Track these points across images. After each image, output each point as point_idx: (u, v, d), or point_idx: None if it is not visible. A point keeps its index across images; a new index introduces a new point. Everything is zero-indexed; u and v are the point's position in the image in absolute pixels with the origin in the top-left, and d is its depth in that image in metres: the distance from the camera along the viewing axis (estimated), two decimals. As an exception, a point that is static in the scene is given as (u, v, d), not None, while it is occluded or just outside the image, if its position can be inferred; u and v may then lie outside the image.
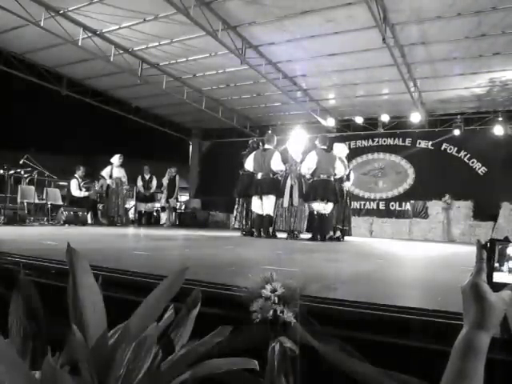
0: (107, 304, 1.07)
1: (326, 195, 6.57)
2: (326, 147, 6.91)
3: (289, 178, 6.83)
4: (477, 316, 0.69)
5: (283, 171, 6.87)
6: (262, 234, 6.72)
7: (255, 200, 6.88)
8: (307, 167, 6.70)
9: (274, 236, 6.81)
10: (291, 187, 6.78)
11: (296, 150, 7.11)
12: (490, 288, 0.71)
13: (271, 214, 6.78)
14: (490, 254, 0.74)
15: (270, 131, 11.06)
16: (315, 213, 6.63)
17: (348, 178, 7.41)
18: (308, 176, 6.78)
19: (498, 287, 0.72)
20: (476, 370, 0.66)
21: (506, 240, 0.75)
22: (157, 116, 12.59)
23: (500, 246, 0.74)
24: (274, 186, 6.82)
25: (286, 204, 6.76)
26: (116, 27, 7.35)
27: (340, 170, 6.83)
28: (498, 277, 0.73)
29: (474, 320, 0.70)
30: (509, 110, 9.76)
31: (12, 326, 1.13)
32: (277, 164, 6.77)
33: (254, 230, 6.95)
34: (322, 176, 6.61)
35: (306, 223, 6.99)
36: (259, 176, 6.85)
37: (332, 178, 6.70)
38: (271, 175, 6.82)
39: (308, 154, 6.86)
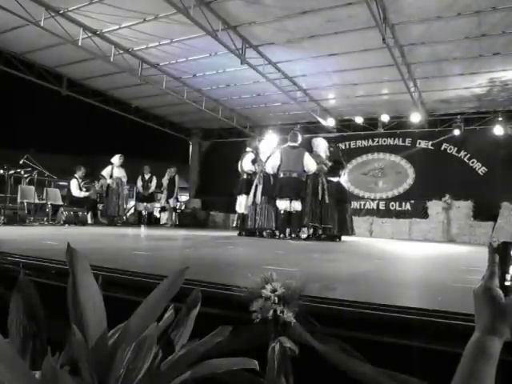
0: (107, 304, 1.07)
1: (288, 193, 6.69)
2: (295, 144, 7.04)
3: (256, 178, 7.15)
4: (489, 321, 0.69)
5: (252, 171, 7.30)
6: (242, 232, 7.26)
7: (238, 199, 7.50)
8: (271, 166, 6.95)
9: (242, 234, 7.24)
10: (256, 186, 7.05)
11: (264, 149, 7.33)
12: (502, 292, 0.70)
13: (245, 212, 7.21)
14: (502, 257, 0.72)
15: (269, 131, 11.09)
16: (279, 210, 6.81)
17: (333, 173, 7.13)
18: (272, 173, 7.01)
19: (510, 291, 0.70)
20: (487, 375, 0.66)
21: None
22: (157, 116, 12.58)
23: None
24: (245, 185, 7.30)
25: (249, 203, 7.06)
26: (116, 27, 7.34)
27: (310, 165, 6.79)
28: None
29: (486, 325, 0.69)
30: (509, 109, 9.75)
31: (12, 325, 1.13)
32: (245, 165, 7.33)
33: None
34: (286, 173, 6.77)
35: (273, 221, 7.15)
36: (241, 177, 7.53)
37: (298, 175, 6.78)
38: (248, 176, 7.40)
39: (272, 153, 7.10)
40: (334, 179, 7.11)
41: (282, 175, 6.81)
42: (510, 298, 0.70)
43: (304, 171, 6.79)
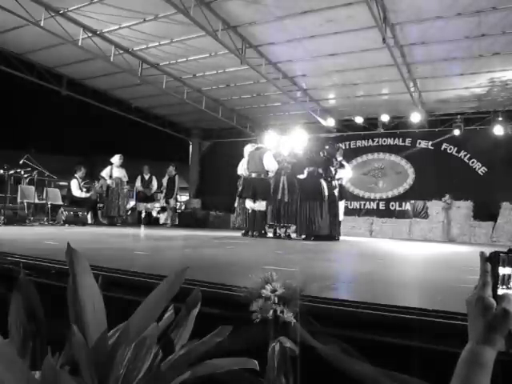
0: (107, 304, 1.07)
1: (249, 194, 7.00)
2: (260, 145, 7.37)
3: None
4: (482, 331, 0.68)
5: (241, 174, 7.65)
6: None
7: None
8: (241, 168, 7.30)
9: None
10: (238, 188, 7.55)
11: (246, 153, 7.57)
12: (495, 302, 0.70)
13: None
14: (494, 266, 0.72)
15: (269, 131, 11.09)
16: (247, 210, 7.13)
17: (299, 171, 7.08)
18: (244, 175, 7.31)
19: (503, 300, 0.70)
20: None
21: (510, 252, 0.73)
22: (157, 116, 12.57)
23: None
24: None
25: (236, 204, 7.59)
26: (116, 27, 7.34)
27: (270, 165, 6.99)
28: (502, 290, 0.71)
29: (479, 334, 0.69)
30: (509, 109, 9.74)
31: (12, 325, 1.13)
32: (238, 169, 7.69)
33: None
34: (252, 174, 7.09)
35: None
36: None
37: (263, 176, 7.03)
38: None
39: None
40: (301, 177, 7.06)
41: (249, 176, 7.12)
42: (503, 307, 0.69)
43: (267, 171, 7.04)
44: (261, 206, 6.94)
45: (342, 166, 7.69)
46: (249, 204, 7.05)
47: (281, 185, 6.91)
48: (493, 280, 0.71)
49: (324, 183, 6.98)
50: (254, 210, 6.99)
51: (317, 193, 6.93)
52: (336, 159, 7.48)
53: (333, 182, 7.23)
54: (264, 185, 6.98)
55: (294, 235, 7.15)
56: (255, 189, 6.95)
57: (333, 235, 7.04)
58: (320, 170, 7.04)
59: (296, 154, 7.27)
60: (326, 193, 6.93)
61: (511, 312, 0.69)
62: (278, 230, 7.15)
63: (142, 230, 8.10)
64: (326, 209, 6.85)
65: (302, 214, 6.81)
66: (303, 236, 6.98)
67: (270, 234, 7.17)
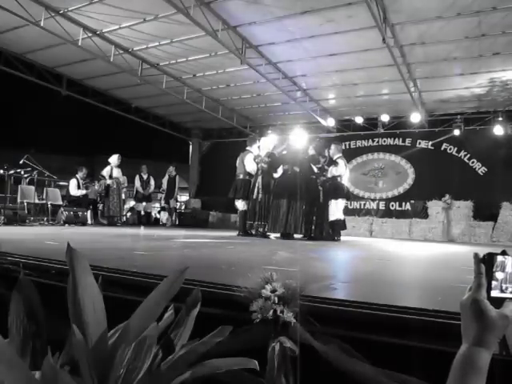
0: (107, 304, 1.07)
1: (235, 193, 7.32)
2: (247, 147, 7.51)
3: None
4: (477, 333, 0.68)
5: None
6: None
7: None
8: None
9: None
10: None
11: None
12: (490, 304, 0.69)
13: None
14: (488, 268, 0.72)
15: (269, 131, 11.15)
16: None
17: (274, 170, 7.13)
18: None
19: (496, 302, 0.70)
20: None
21: (504, 253, 0.73)
22: (157, 116, 12.58)
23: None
24: None
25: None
26: (116, 27, 7.35)
27: (247, 166, 7.22)
28: (495, 292, 0.71)
29: (474, 337, 0.68)
30: (509, 109, 9.75)
31: (12, 325, 1.13)
32: None
33: None
34: (240, 176, 7.38)
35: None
36: None
37: (245, 176, 7.27)
38: None
39: None
40: (275, 176, 7.17)
41: (238, 177, 7.42)
42: (499, 310, 0.69)
43: (247, 172, 7.28)
44: (242, 205, 7.28)
45: (335, 163, 7.30)
46: (238, 204, 7.39)
47: (257, 184, 7.11)
48: (487, 281, 0.71)
49: (301, 181, 6.80)
50: (241, 210, 7.34)
51: (288, 191, 6.81)
52: (324, 156, 7.15)
53: (317, 181, 6.90)
54: (244, 184, 7.27)
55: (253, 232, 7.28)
56: (236, 189, 7.30)
57: (316, 236, 6.78)
58: (296, 169, 6.87)
59: (272, 153, 7.25)
60: (299, 191, 6.76)
61: (510, 314, 0.68)
62: (253, 229, 7.24)
63: (142, 230, 8.10)
64: (299, 207, 6.71)
65: (273, 212, 6.90)
66: (275, 234, 6.96)
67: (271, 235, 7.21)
